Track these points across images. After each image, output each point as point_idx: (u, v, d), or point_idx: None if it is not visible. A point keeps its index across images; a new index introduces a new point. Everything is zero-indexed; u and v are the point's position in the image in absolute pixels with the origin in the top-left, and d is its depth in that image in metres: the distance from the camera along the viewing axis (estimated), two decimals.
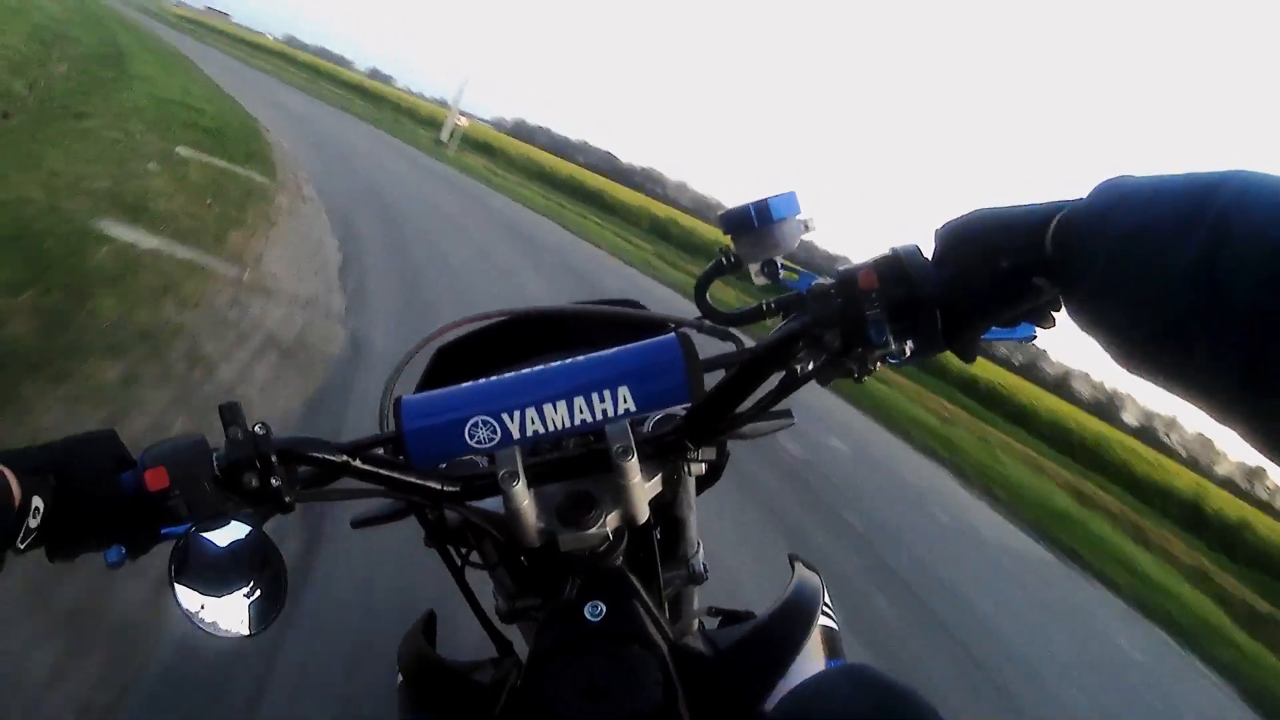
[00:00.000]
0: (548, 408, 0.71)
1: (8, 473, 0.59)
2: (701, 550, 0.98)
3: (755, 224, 0.77)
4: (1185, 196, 0.46)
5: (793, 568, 0.91)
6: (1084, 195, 0.54)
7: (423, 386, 1.03)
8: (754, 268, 0.80)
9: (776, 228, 0.78)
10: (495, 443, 0.72)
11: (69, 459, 0.64)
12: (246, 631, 0.67)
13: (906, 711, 0.64)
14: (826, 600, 0.86)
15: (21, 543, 0.59)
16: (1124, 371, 0.51)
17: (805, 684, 0.71)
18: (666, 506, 0.91)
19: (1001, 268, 0.59)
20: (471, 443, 0.72)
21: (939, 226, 0.64)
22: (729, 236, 0.81)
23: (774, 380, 0.72)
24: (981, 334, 0.64)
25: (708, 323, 0.89)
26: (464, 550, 0.96)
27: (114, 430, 0.68)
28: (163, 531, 0.65)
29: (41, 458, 0.63)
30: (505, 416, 0.71)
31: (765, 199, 0.77)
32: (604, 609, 0.72)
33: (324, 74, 49.90)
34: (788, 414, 0.83)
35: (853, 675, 0.68)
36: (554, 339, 1.03)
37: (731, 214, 0.79)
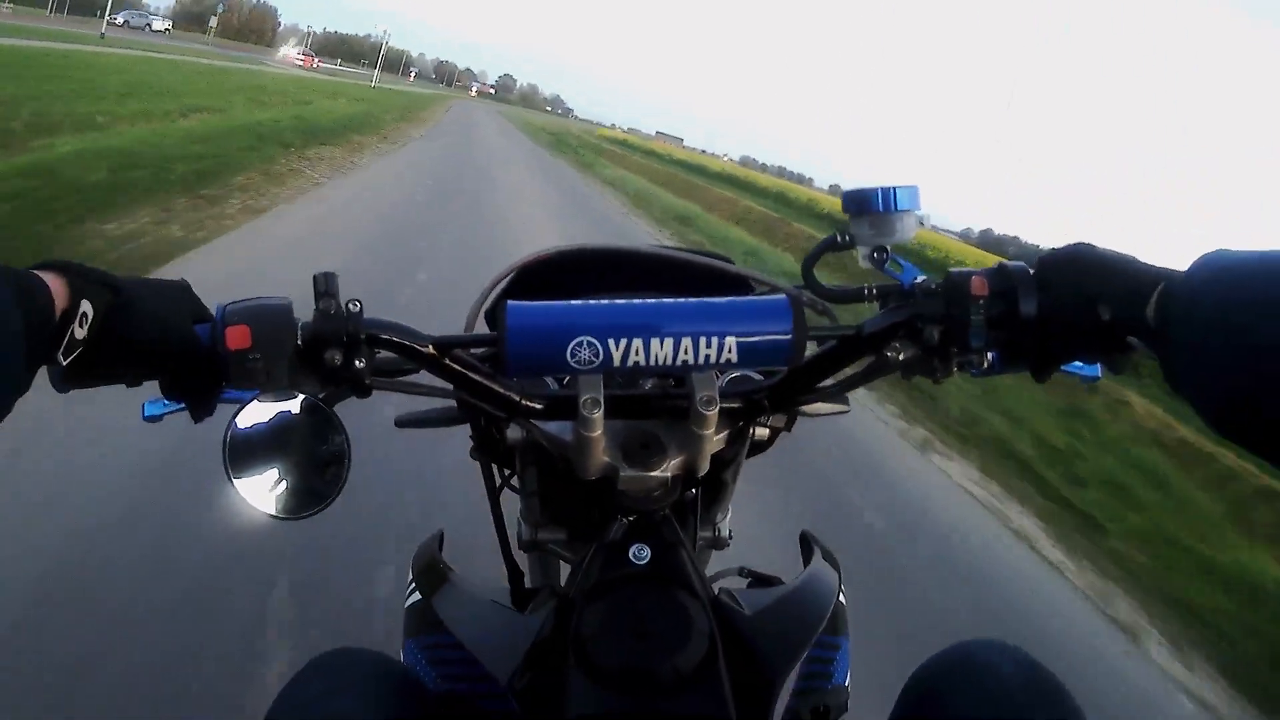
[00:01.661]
0: (654, 342, 0.68)
1: (56, 277, 0.54)
2: (729, 516, 0.97)
3: (879, 209, 0.76)
4: (1276, 275, 0.49)
5: (807, 546, 0.92)
6: (1186, 267, 0.56)
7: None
8: (863, 251, 0.78)
9: (896, 217, 0.76)
10: (595, 365, 0.68)
11: (138, 285, 0.60)
12: (298, 513, 0.66)
13: (1053, 690, 0.68)
14: (842, 579, 0.85)
15: (65, 355, 0.54)
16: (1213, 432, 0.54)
17: (949, 652, 0.76)
18: (718, 465, 0.86)
19: (1102, 320, 0.60)
20: (572, 361, 0.67)
21: (1043, 253, 0.67)
22: (847, 215, 0.81)
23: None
24: (1064, 364, 0.68)
25: (807, 293, 0.78)
26: (506, 471, 0.96)
27: (187, 283, 0.64)
28: (225, 395, 0.65)
29: (105, 274, 0.57)
30: (611, 341, 0.67)
31: (892, 187, 0.76)
32: (649, 554, 0.70)
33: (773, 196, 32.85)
34: (845, 401, 0.86)
35: (999, 649, 0.73)
36: (636, 280, 0.94)
37: (856, 194, 0.77)
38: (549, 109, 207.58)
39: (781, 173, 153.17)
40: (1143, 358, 0.61)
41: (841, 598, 0.81)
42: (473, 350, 0.73)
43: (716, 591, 0.74)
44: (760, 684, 0.65)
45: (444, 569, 0.83)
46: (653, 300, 0.70)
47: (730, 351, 0.68)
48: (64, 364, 0.55)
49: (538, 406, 0.73)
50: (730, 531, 0.95)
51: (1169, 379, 0.56)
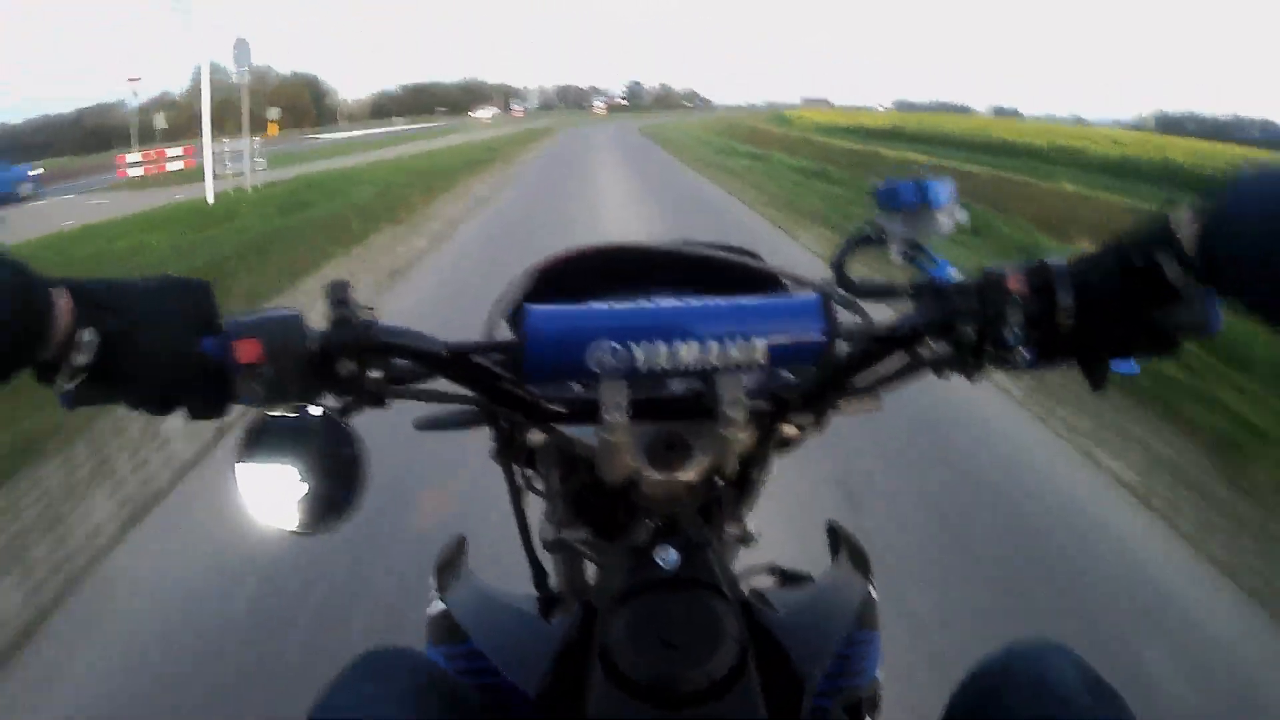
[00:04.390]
0: (680, 345, 0.66)
1: (65, 296, 0.53)
2: (754, 512, 0.95)
3: (913, 203, 0.77)
4: None
5: (834, 537, 0.92)
6: (1222, 194, 0.55)
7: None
8: (895, 246, 0.79)
9: (931, 213, 0.77)
10: (617, 369, 0.66)
11: (146, 302, 0.58)
12: (309, 528, 0.65)
13: (1111, 698, 0.65)
14: (871, 571, 0.86)
15: (67, 381, 0.54)
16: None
17: (1003, 655, 0.72)
18: (746, 463, 0.84)
19: (1135, 266, 0.59)
20: (591, 365, 0.66)
21: (1080, 253, 0.65)
22: (879, 210, 0.80)
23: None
24: (1112, 360, 0.66)
25: (838, 291, 0.80)
26: (527, 473, 0.95)
27: (209, 283, 0.63)
28: (243, 400, 0.63)
29: (111, 293, 0.57)
30: (634, 345, 0.66)
31: (926, 181, 0.76)
32: (676, 556, 0.68)
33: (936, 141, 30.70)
34: (878, 397, 0.82)
35: (1058, 653, 0.69)
36: (664, 277, 0.91)
37: (890, 188, 0.78)
38: (687, 104, 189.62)
39: (941, 107, 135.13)
40: (1187, 337, 0.61)
41: (871, 590, 0.82)
42: (493, 355, 0.70)
43: (747, 592, 0.74)
44: (792, 685, 0.66)
45: (466, 574, 0.84)
46: (678, 303, 0.70)
47: (759, 354, 0.67)
48: (70, 389, 0.55)
49: (560, 410, 0.71)
50: (758, 530, 0.86)
51: (1226, 301, 0.56)
